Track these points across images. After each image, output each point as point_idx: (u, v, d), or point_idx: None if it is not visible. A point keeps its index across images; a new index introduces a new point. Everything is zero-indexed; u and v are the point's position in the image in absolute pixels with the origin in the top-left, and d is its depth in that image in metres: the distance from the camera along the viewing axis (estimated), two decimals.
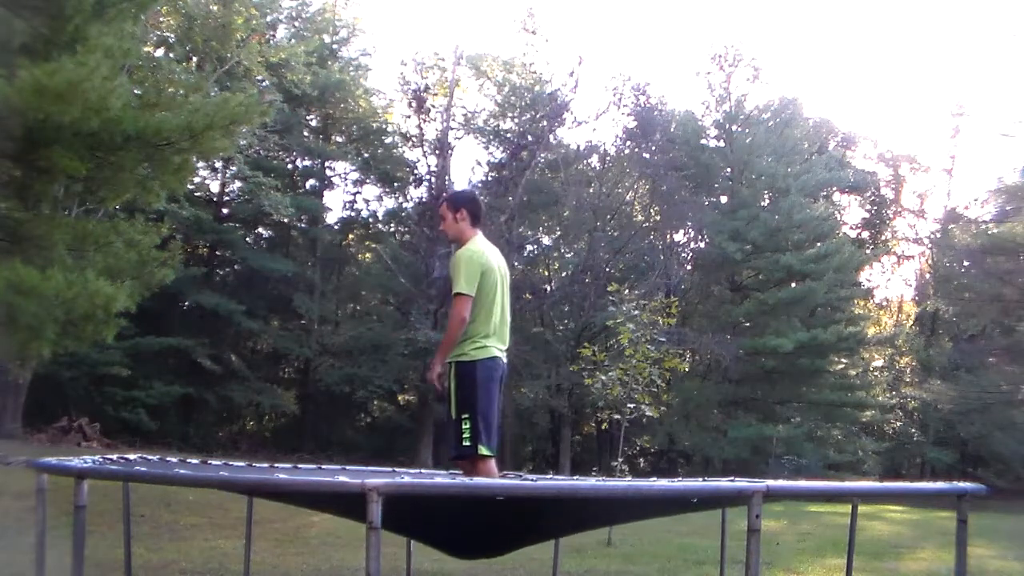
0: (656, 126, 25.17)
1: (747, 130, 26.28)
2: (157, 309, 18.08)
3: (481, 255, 4.28)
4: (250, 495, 4.47)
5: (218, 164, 22.85)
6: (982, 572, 6.86)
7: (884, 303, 32.33)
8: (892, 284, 33.32)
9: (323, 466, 5.67)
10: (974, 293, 21.77)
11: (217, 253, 25.22)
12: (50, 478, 3.44)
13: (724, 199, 26.99)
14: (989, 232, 21.00)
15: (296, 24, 24.78)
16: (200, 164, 19.85)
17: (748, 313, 25.12)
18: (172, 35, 19.70)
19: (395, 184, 26.84)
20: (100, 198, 9.45)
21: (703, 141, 27.09)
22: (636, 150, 25.71)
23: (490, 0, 45.75)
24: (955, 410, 22.05)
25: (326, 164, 27.04)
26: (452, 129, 25.11)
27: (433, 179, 24.05)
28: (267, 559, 6.27)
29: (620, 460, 9.89)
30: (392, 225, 27.88)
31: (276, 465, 5.06)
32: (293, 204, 22.36)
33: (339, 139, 27.06)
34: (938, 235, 28.60)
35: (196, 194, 21.67)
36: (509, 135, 25.55)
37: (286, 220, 23.67)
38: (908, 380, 27.68)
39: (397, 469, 5.59)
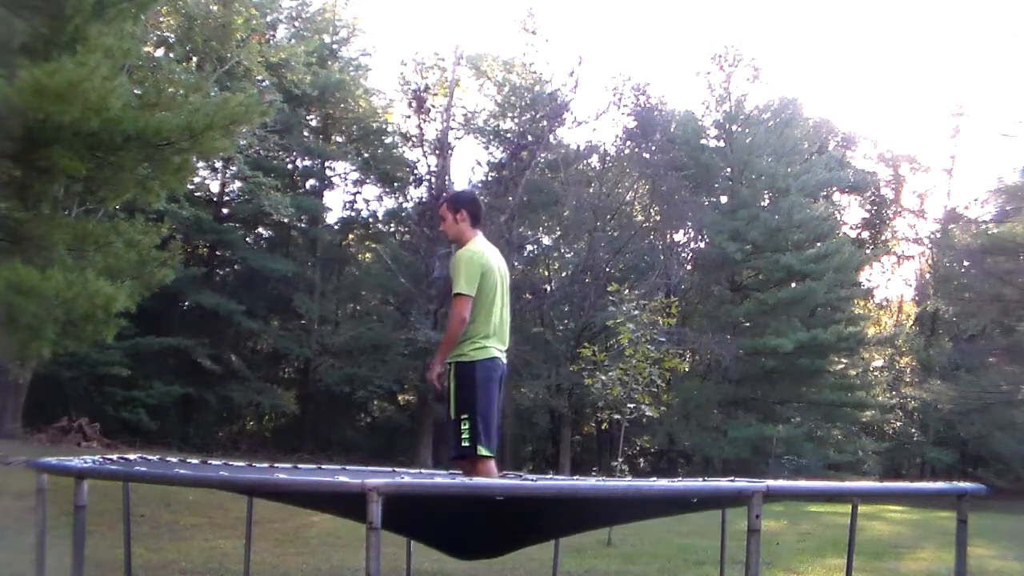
0: (656, 126, 25.17)
1: (747, 130, 26.28)
2: (157, 309, 18.08)
3: (481, 255, 4.28)
4: (250, 495, 4.47)
5: (218, 164, 22.85)
6: (982, 572, 6.86)
7: (884, 303, 32.34)
8: (892, 284, 33.39)
9: (323, 466, 5.67)
10: (974, 293, 21.76)
11: (217, 253, 25.23)
12: (50, 478, 3.44)
13: (724, 199, 26.99)
14: (989, 232, 21.00)
15: (296, 24, 24.78)
16: (200, 164, 19.85)
17: (748, 313, 25.12)
18: (172, 35, 19.70)
19: (395, 184, 26.84)
20: (100, 198, 9.46)
21: (703, 141, 27.09)
22: (636, 150, 25.71)
23: (490, 0, 45.76)
24: (955, 410, 22.05)
25: (326, 164, 27.04)
26: (452, 129, 25.14)
27: (433, 179, 24.05)
28: (267, 559, 6.27)
29: (620, 460, 9.88)
30: (392, 225, 27.89)
31: (276, 465, 5.06)
32: (293, 204, 22.37)
33: (339, 139, 27.07)
34: (938, 235, 28.61)
35: (196, 194, 21.67)
36: (509, 135, 25.55)
37: (286, 220, 23.67)
38: (908, 380, 27.68)
39: (397, 469, 5.58)
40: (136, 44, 10.06)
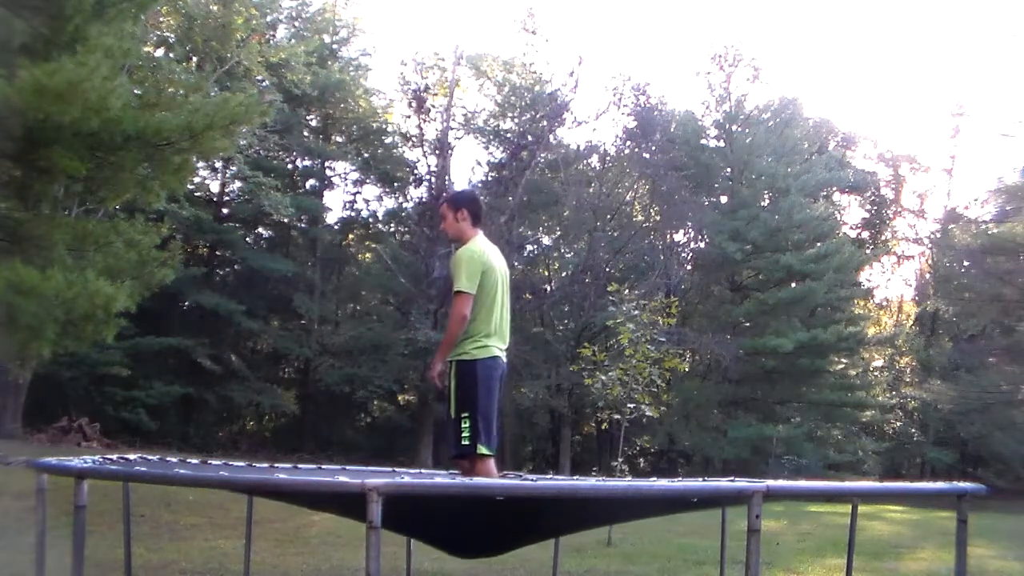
0: (656, 126, 25.16)
1: (747, 130, 26.28)
2: (157, 309, 18.07)
3: (482, 254, 4.28)
4: (250, 494, 4.48)
5: (218, 164, 22.85)
6: (982, 572, 6.86)
7: (884, 303, 32.34)
8: (892, 284, 33.39)
9: (323, 466, 5.67)
10: (974, 293, 21.76)
11: (217, 253, 25.22)
12: (50, 478, 3.44)
13: (724, 199, 26.99)
14: (989, 232, 21.00)
15: (296, 24, 24.78)
16: (200, 164, 19.85)
17: (748, 313, 25.12)
18: (172, 35, 19.69)
19: (395, 184, 26.84)
20: (100, 198, 9.45)
21: (703, 141, 27.09)
22: (636, 150, 25.71)
23: (490, 0, 45.76)
24: (955, 410, 22.04)
25: (326, 164, 27.04)
26: (452, 129, 25.14)
27: (433, 179, 24.05)
28: (267, 559, 6.27)
29: (620, 460, 9.88)
30: (392, 225, 27.88)
31: (276, 465, 5.06)
32: (293, 204, 22.37)
33: (339, 139, 27.06)
34: (938, 235, 28.61)
35: (196, 194, 21.67)
36: (509, 135, 25.55)
37: (286, 220, 23.67)
38: (908, 380, 27.68)
39: (397, 469, 5.59)
40: (136, 44, 10.05)
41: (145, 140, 7.21)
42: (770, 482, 3.09)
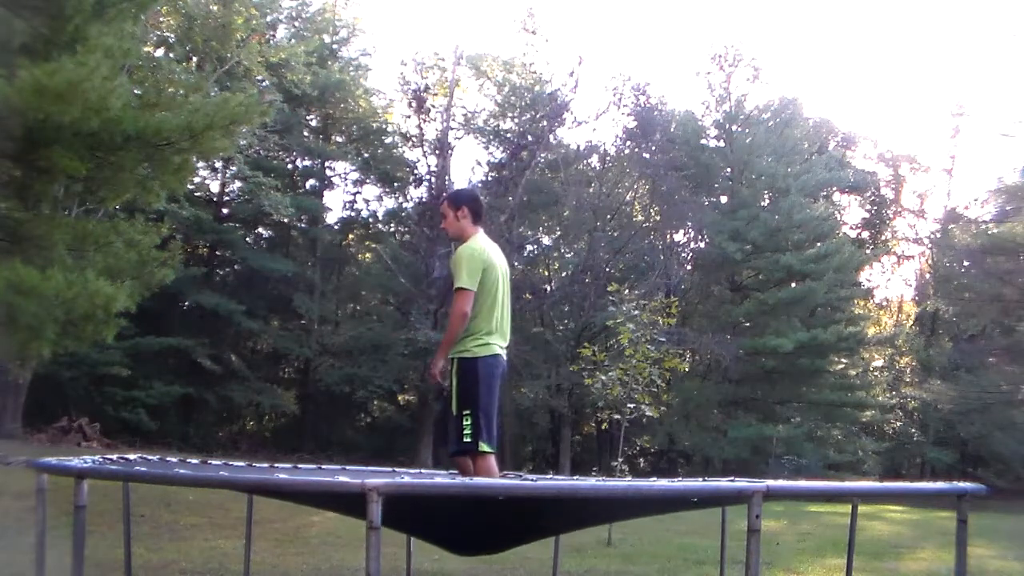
0: (656, 126, 25.16)
1: (747, 130, 26.28)
2: (157, 309, 18.07)
3: (483, 252, 4.29)
4: (251, 493, 4.48)
5: (218, 164, 22.85)
6: (982, 572, 6.86)
7: (884, 303, 32.34)
8: (892, 284, 33.39)
9: (323, 466, 5.67)
10: (974, 293, 21.77)
11: (217, 253, 25.22)
12: (50, 478, 3.44)
13: (724, 199, 26.99)
14: (989, 232, 21.00)
15: (296, 24, 24.78)
16: (200, 164, 19.85)
17: (748, 313, 25.12)
18: (172, 35, 19.69)
19: (395, 184, 26.84)
20: (100, 198, 9.45)
21: (703, 141, 27.10)
22: (636, 150, 25.71)
23: (490, 0, 45.76)
24: (955, 410, 22.05)
25: (326, 164, 27.04)
26: (452, 129, 25.13)
27: (433, 179, 24.04)
28: (267, 559, 6.27)
29: (620, 460, 9.88)
30: (392, 225, 27.88)
31: (276, 465, 5.06)
32: (293, 204, 22.37)
33: (339, 139, 27.06)
34: (938, 235, 28.61)
35: (196, 194, 21.67)
36: (509, 135, 25.54)
37: (286, 220, 23.67)
38: (908, 380, 27.68)
39: (397, 469, 5.59)
40: (136, 44, 10.05)
41: (145, 140, 7.21)
42: (770, 482, 3.09)
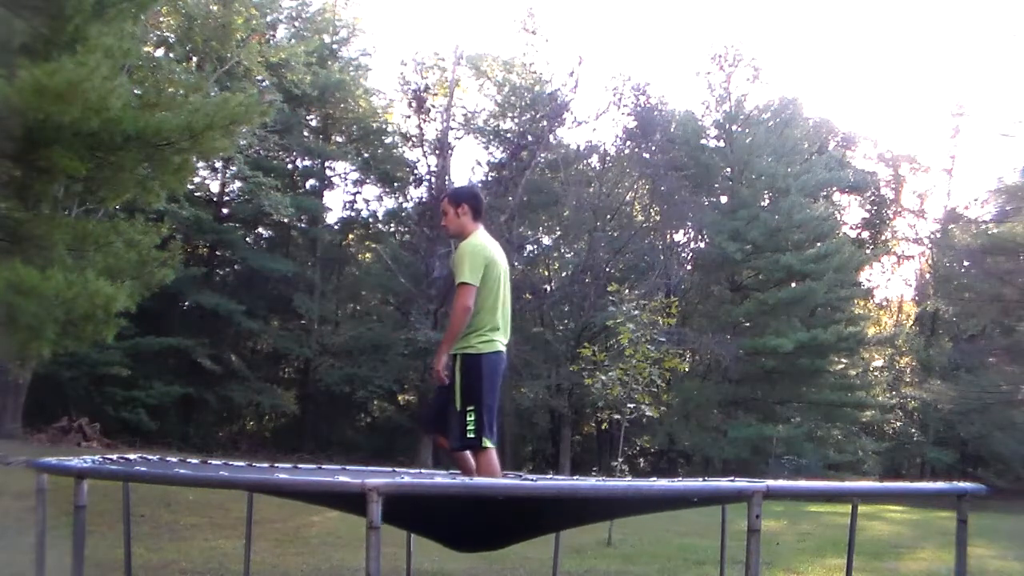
0: (656, 126, 25.16)
1: (747, 130, 26.28)
2: (157, 309, 18.07)
3: (484, 248, 4.30)
4: (251, 491, 4.48)
5: (218, 164, 22.84)
6: (982, 572, 6.86)
7: (884, 303, 32.35)
8: (892, 284, 33.39)
9: (323, 466, 5.67)
10: (974, 293, 21.78)
11: (217, 253, 25.22)
12: (50, 478, 3.44)
13: (724, 199, 27.00)
14: (989, 232, 21.01)
15: (296, 24, 24.77)
16: (200, 164, 19.84)
17: (748, 313, 25.12)
18: (172, 35, 19.68)
19: (395, 184, 26.84)
20: (100, 198, 9.45)
21: (703, 141, 27.10)
22: (636, 150, 25.71)
23: (490, 0, 45.76)
24: (955, 410, 22.05)
25: (326, 164, 27.03)
26: (452, 129, 25.12)
27: (433, 179, 24.04)
28: (267, 559, 6.27)
29: (620, 460, 9.88)
30: (392, 225, 27.88)
31: (276, 465, 5.06)
32: (293, 204, 22.36)
33: (339, 139, 27.06)
34: (938, 235, 28.62)
35: (196, 194, 21.66)
36: (509, 135, 25.54)
37: (286, 220, 23.67)
38: (908, 380, 27.68)
39: (397, 469, 5.59)
40: (136, 44, 10.05)
41: (145, 140, 7.21)
42: (770, 482, 3.09)
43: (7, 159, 7.36)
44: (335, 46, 25.81)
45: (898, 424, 27.89)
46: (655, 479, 6.98)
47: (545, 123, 23.81)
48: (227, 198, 24.64)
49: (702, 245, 26.97)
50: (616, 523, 8.17)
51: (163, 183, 8.11)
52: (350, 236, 28.33)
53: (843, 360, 25.94)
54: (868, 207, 31.48)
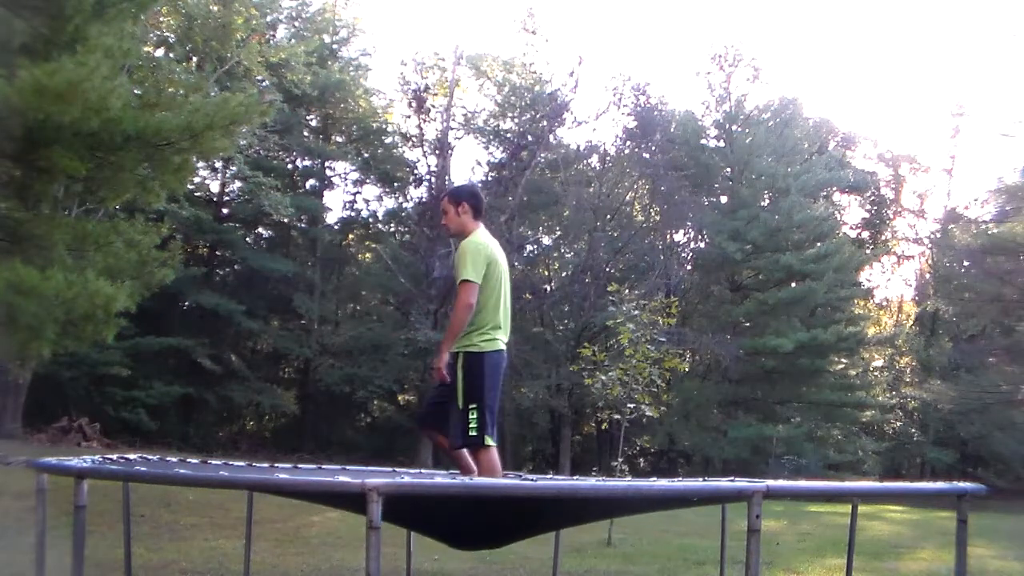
0: (656, 126, 25.16)
1: (747, 130, 26.28)
2: (157, 309, 18.07)
3: (486, 247, 4.30)
4: (251, 490, 4.48)
5: (218, 164, 22.84)
6: (982, 572, 6.86)
7: (884, 303, 32.34)
8: (892, 284, 33.38)
9: (323, 466, 5.67)
10: (974, 293, 21.79)
11: (217, 253, 25.22)
12: (50, 478, 3.44)
13: (724, 199, 27.00)
14: (989, 232, 21.02)
15: (296, 24, 24.78)
16: (200, 164, 19.84)
17: (748, 313, 25.12)
18: (172, 35, 19.68)
19: (395, 184, 26.85)
20: (100, 198, 9.45)
21: (703, 141, 27.10)
22: (636, 150, 25.71)
23: (490, 0, 45.76)
24: (955, 410, 22.06)
25: (326, 164, 27.03)
26: (452, 129, 25.12)
27: (433, 179, 24.04)
28: (267, 559, 6.27)
29: (620, 460, 9.87)
30: (392, 225, 27.89)
31: (276, 465, 5.06)
32: (293, 204, 22.35)
33: (339, 139, 27.06)
34: (938, 235, 28.62)
35: (196, 194, 21.66)
36: (509, 135, 25.55)
37: (286, 220, 23.66)
38: (908, 380, 27.68)
39: (397, 469, 5.59)
40: (136, 44, 10.05)
41: (145, 140, 7.20)
42: (770, 482, 3.09)
43: (7, 159, 7.36)
44: (335, 46, 25.81)
45: (898, 424, 27.89)
46: (655, 479, 6.98)
47: (545, 123, 23.81)
48: (227, 198, 24.64)
49: (702, 245, 26.98)
50: (616, 523, 8.17)
51: (163, 183, 8.10)
52: (350, 236, 28.33)
53: (843, 360, 25.94)
54: (868, 207, 31.48)
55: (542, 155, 24.35)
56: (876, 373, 28.19)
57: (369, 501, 2.49)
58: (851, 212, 31.10)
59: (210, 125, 7.37)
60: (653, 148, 25.13)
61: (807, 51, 48.15)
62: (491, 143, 26.31)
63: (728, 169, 26.62)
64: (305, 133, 26.10)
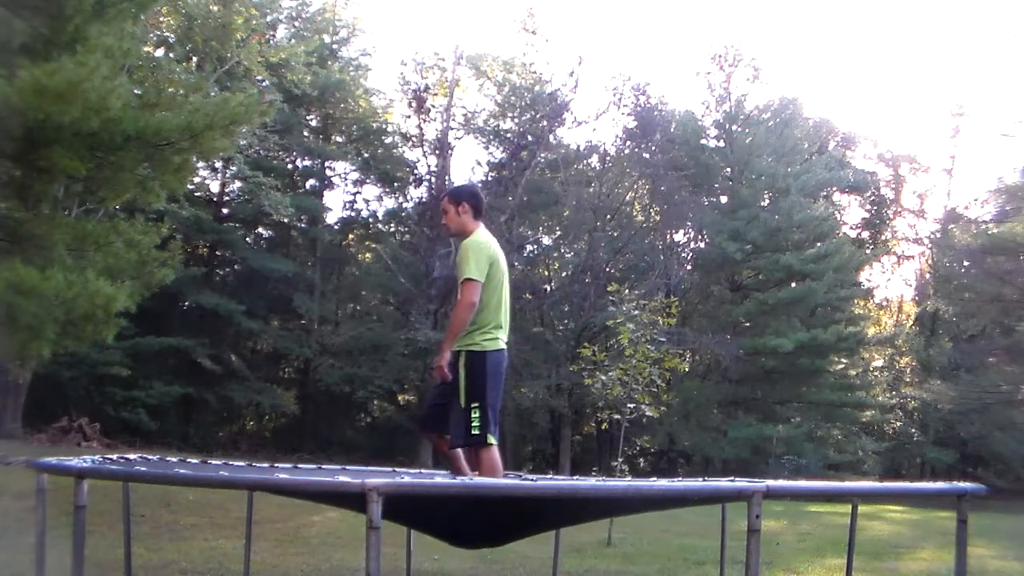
0: (656, 126, 25.16)
1: (747, 130, 26.29)
2: (157, 309, 18.07)
3: (488, 247, 4.30)
4: (251, 490, 4.48)
5: (218, 164, 22.84)
6: (982, 572, 6.86)
7: (884, 303, 32.34)
8: (892, 284, 33.38)
9: (323, 466, 5.67)
10: (974, 293, 21.80)
11: (217, 253, 25.22)
12: (50, 478, 3.44)
13: (724, 199, 27.00)
14: (989, 232, 21.02)
15: (296, 24, 24.78)
16: (200, 164, 19.83)
17: (748, 313, 25.12)
18: (172, 35, 19.68)
19: (395, 184, 26.85)
20: (100, 198, 9.45)
21: (703, 141, 27.10)
22: (636, 150, 25.71)
23: (490, 0, 45.76)
24: (955, 410, 22.06)
25: (326, 164, 27.03)
26: (452, 129, 25.13)
27: (433, 179, 24.04)
28: (267, 559, 6.27)
29: (620, 460, 9.87)
30: (392, 225, 27.89)
31: (276, 465, 5.06)
32: (293, 204, 22.35)
33: (339, 139, 27.06)
34: (938, 235, 28.62)
35: (196, 194, 21.66)
36: (509, 135, 25.55)
37: (286, 220, 23.66)
38: (908, 380, 27.68)
39: (397, 469, 5.59)
40: (136, 44, 10.05)
41: (145, 140, 7.20)
42: (770, 482, 3.09)
43: (7, 159, 7.36)
44: (335, 46, 25.81)
45: (898, 424, 27.89)
46: (655, 479, 6.98)
47: (545, 123, 23.82)
48: (227, 198, 24.64)
49: (702, 245, 26.98)
50: (616, 523, 8.18)
51: (163, 183, 8.10)
52: (350, 236, 28.34)
53: (843, 360, 25.94)
54: (868, 207, 31.48)
55: (542, 155, 24.35)
56: (876, 373, 28.19)
57: (369, 501, 2.49)
58: (851, 212, 31.16)
59: (210, 125, 7.37)
60: (653, 148, 25.13)
61: (807, 51, 48.20)
62: (491, 143, 26.31)
63: (728, 169, 26.61)
64: (305, 133, 26.10)
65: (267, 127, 19.50)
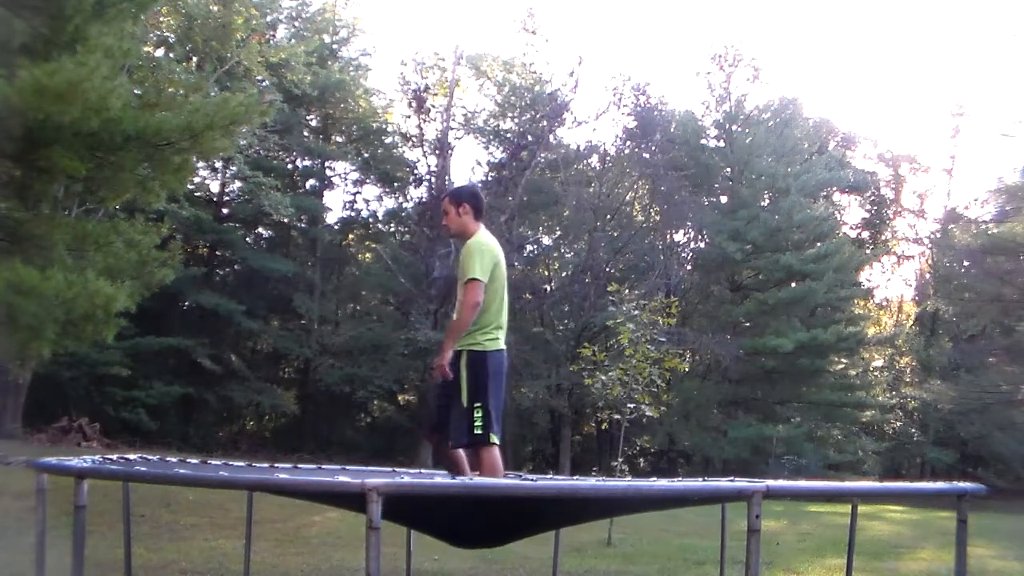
0: (656, 126, 25.16)
1: (747, 130, 26.29)
2: (157, 309, 18.07)
3: (491, 248, 4.31)
4: (251, 490, 4.48)
5: (218, 164, 22.84)
6: (982, 572, 6.86)
7: (884, 303, 32.35)
8: (892, 284, 33.39)
9: (323, 466, 5.67)
10: (974, 293, 21.80)
11: (217, 253, 25.22)
12: (50, 478, 3.44)
13: (724, 199, 27.00)
14: (989, 232, 21.02)
15: (296, 24, 24.77)
16: (200, 164, 19.83)
17: (748, 313, 25.12)
18: (172, 35, 19.68)
19: (395, 184, 26.84)
20: (100, 198, 9.45)
21: (703, 141, 27.10)
22: (636, 150, 25.71)
23: (490, 0, 45.76)
24: (955, 410, 22.06)
25: (326, 164, 27.03)
26: (452, 129, 25.12)
27: (433, 179, 24.04)
28: (267, 559, 6.27)
29: (620, 460, 9.87)
30: (392, 225, 27.89)
31: (276, 465, 5.06)
32: (293, 204, 22.35)
33: (339, 139, 27.06)
34: (938, 235, 28.63)
35: (196, 194, 21.66)
36: (509, 135, 25.55)
37: (286, 220, 23.66)
38: (908, 380, 27.68)
39: (397, 469, 5.59)
40: (136, 44, 10.05)
41: (145, 140, 7.20)
42: (770, 482, 3.09)
43: (7, 159, 7.36)
44: (335, 46, 25.81)
45: (898, 424, 27.89)
46: (655, 479, 6.98)
47: (545, 123, 23.82)
48: (227, 198, 24.64)
49: (702, 245, 26.98)
50: (616, 523, 8.18)
51: (163, 183, 8.10)
52: (350, 236, 28.33)
53: (843, 360, 25.94)
54: (868, 207, 31.48)
55: (542, 155, 24.35)
56: (876, 373, 28.19)
57: (369, 501, 2.49)
58: (851, 212, 31.17)
59: (210, 125, 7.37)
60: (653, 148, 25.13)
61: (807, 51, 48.20)
62: (491, 143, 26.31)
63: (728, 169, 26.62)
64: (305, 133, 26.10)
65: (267, 127, 19.50)
